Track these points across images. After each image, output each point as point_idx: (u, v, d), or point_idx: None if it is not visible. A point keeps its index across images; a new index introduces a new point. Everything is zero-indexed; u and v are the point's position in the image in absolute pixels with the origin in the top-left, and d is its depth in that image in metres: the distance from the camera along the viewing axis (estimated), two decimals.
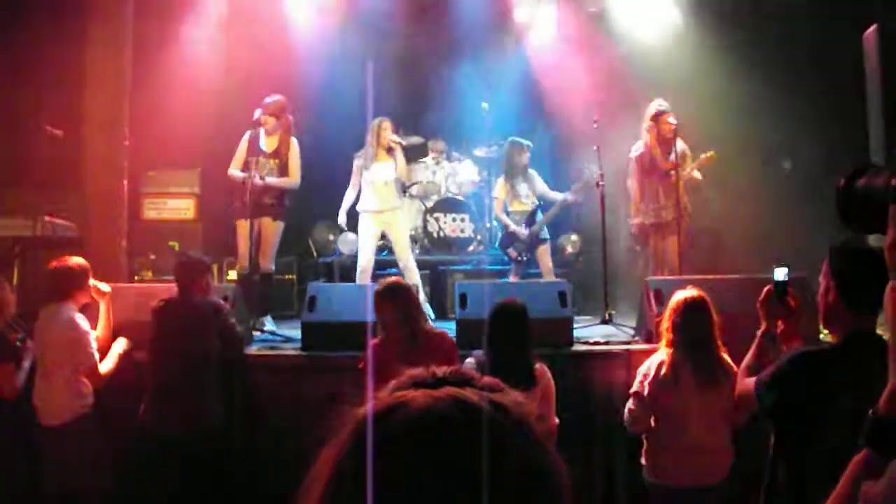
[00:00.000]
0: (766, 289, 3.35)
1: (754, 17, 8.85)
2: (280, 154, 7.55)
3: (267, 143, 7.55)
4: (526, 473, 0.87)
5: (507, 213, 8.59)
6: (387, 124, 8.07)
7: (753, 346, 3.36)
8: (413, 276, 7.84)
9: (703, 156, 7.80)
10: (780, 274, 3.33)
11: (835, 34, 7.86)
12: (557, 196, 8.63)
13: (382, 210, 8.01)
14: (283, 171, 7.56)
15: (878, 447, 0.94)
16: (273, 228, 7.59)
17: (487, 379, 0.97)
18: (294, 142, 7.65)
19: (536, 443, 0.91)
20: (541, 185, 8.75)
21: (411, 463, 0.85)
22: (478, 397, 0.90)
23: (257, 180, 7.29)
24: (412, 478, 0.84)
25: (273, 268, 7.74)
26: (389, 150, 8.04)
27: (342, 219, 8.46)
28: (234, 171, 7.53)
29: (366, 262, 7.95)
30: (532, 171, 8.77)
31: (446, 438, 0.86)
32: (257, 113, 7.40)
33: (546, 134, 9.26)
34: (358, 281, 7.91)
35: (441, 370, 0.97)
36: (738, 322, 4.29)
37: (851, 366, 2.72)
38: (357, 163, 8.13)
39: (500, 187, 8.71)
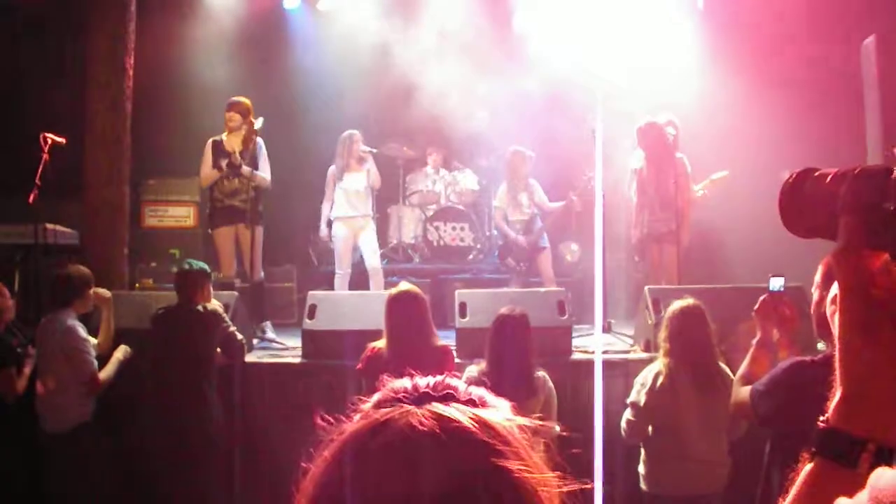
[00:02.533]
0: (761, 298, 3.37)
1: (755, 27, 8.89)
2: (244, 155, 7.47)
3: (231, 144, 7.48)
4: (509, 491, 0.87)
5: (507, 223, 8.64)
6: (358, 137, 8.33)
7: (749, 355, 3.37)
8: (378, 282, 8.10)
9: (715, 176, 7.84)
10: (776, 283, 3.36)
11: (833, 43, 7.90)
12: (555, 206, 8.72)
13: (354, 216, 8.22)
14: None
15: (831, 457, 0.95)
16: (250, 235, 7.41)
17: (472, 391, 0.96)
18: (260, 142, 7.61)
19: (521, 458, 0.90)
20: (540, 196, 8.80)
21: (394, 484, 0.85)
22: (461, 414, 0.89)
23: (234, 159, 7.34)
24: (395, 498, 0.84)
25: (262, 275, 7.72)
26: (360, 161, 8.29)
27: (324, 231, 8.55)
28: (207, 172, 7.50)
29: (344, 268, 8.17)
30: (533, 182, 8.82)
31: (428, 458, 0.85)
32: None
33: (545, 143, 9.26)
34: (336, 287, 8.04)
35: (425, 383, 0.96)
36: (735, 331, 4.31)
37: None
38: (330, 174, 8.33)
39: (501, 196, 8.77)
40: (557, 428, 4.67)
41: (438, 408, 0.90)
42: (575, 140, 8.68)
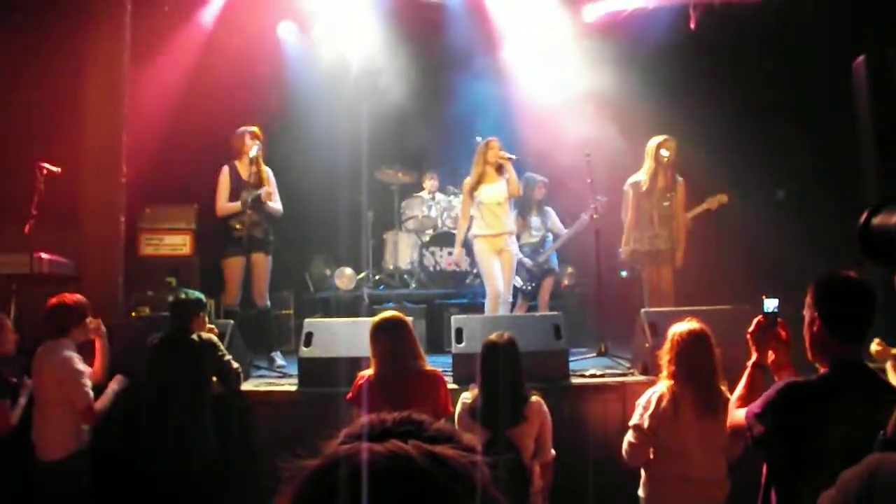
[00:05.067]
0: (756, 319, 3.37)
1: (747, 48, 8.95)
2: (261, 184, 7.53)
3: (248, 174, 7.53)
4: None
5: (519, 247, 8.66)
6: (495, 142, 7.81)
7: (745, 377, 3.36)
8: (506, 306, 7.64)
9: (713, 198, 7.87)
10: (770, 305, 3.35)
11: (826, 62, 7.94)
12: (569, 230, 8.81)
13: (498, 234, 7.76)
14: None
15: None
16: (266, 263, 7.56)
17: (439, 426, 0.98)
18: (268, 169, 7.66)
19: (478, 495, 0.90)
20: (554, 221, 8.92)
21: None
22: (417, 451, 0.90)
23: (263, 194, 7.36)
24: None
25: (269, 303, 7.73)
26: (499, 169, 7.78)
27: (457, 251, 8.48)
28: (226, 203, 7.47)
29: (494, 291, 7.62)
30: (549, 208, 8.94)
31: (381, 495, 0.87)
32: (254, 147, 7.47)
33: (540, 167, 9.29)
34: (487, 311, 7.63)
35: (391, 418, 0.98)
36: (731, 352, 4.31)
37: (839, 396, 2.75)
38: (465, 186, 7.93)
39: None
40: (553, 452, 4.67)
41: (396, 445, 0.91)
42: (571, 165, 8.72)
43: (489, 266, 7.67)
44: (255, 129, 7.64)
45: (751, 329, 3.40)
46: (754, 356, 3.39)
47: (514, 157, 7.77)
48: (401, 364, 4.65)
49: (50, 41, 8.08)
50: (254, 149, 7.43)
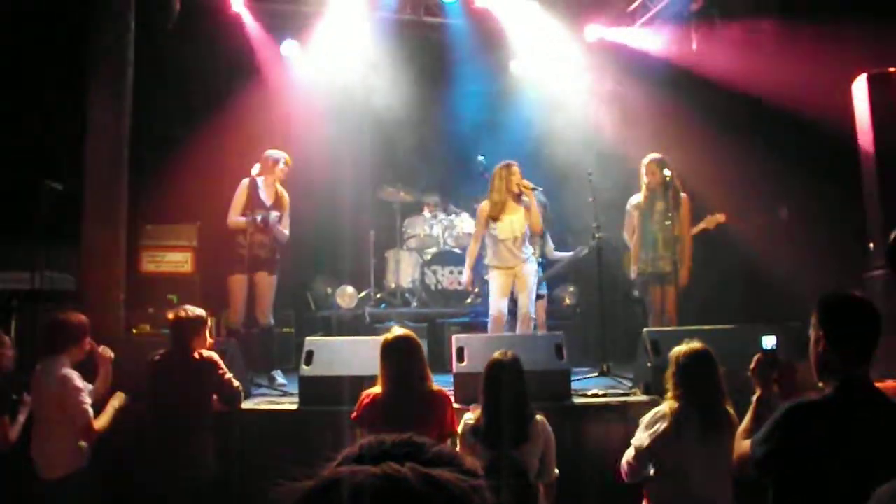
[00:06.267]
0: (755, 357, 3.39)
1: (747, 66, 8.97)
2: (278, 207, 7.58)
3: (268, 195, 7.54)
4: None
5: None
6: (516, 168, 7.45)
7: (750, 412, 3.36)
8: (528, 328, 7.46)
9: (711, 217, 7.87)
10: (769, 342, 3.37)
11: (828, 80, 7.96)
12: (563, 256, 8.77)
13: (512, 266, 7.48)
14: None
15: None
16: (270, 282, 7.55)
17: (439, 449, 0.96)
18: (286, 194, 7.69)
19: None
20: (549, 245, 8.87)
21: None
22: (413, 475, 0.88)
23: (272, 219, 7.36)
24: None
25: (272, 321, 7.70)
26: (519, 198, 7.46)
27: (466, 276, 8.06)
28: (237, 217, 7.43)
29: (497, 312, 7.43)
30: (545, 232, 8.93)
31: None
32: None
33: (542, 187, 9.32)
34: (490, 331, 7.48)
35: (390, 440, 0.96)
36: (735, 372, 4.29)
37: (844, 415, 2.74)
38: (481, 211, 7.61)
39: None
40: (556, 472, 4.64)
41: (392, 467, 0.90)
42: (573, 184, 8.74)
43: (498, 288, 7.51)
44: (287, 156, 7.64)
45: (752, 367, 3.42)
46: (758, 392, 3.40)
47: (537, 188, 7.55)
48: (410, 384, 4.57)
49: (53, 56, 8.12)
50: (255, 168, 7.45)
